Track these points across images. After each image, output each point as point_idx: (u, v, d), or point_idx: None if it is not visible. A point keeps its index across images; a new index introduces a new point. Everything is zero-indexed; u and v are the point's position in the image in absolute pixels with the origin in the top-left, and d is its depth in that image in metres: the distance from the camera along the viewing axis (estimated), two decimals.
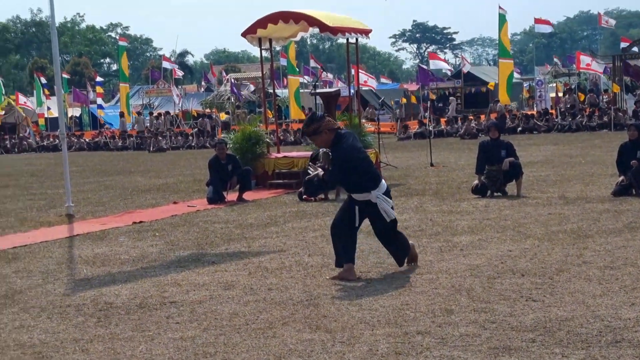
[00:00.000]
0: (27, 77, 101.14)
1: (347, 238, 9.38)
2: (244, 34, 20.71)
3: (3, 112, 58.37)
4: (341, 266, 9.37)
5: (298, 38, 22.38)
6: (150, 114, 54.41)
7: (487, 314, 7.47)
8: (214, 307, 8.28)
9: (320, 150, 9.76)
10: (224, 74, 75.07)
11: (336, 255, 9.49)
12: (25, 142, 52.04)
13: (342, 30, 20.06)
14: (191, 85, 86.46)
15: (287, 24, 20.05)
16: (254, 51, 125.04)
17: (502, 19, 40.34)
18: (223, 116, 51.10)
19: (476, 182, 16.40)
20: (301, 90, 51.75)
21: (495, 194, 16.13)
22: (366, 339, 6.86)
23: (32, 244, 13.11)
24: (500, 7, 40.19)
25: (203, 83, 78.28)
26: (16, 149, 51.16)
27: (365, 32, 21.02)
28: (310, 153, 18.71)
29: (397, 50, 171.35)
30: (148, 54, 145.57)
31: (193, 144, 44.47)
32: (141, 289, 9.26)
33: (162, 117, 52.62)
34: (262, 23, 20.24)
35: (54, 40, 17.15)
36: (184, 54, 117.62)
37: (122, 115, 52.92)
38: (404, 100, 53.34)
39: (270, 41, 21.36)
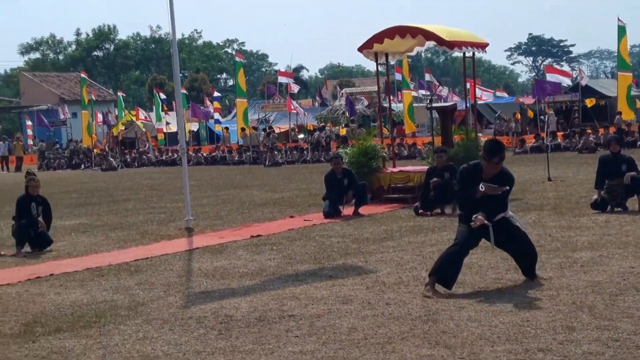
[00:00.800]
0: (146, 93, 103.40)
1: (459, 260, 9.40)
2: (360, 49, 20.80)
3: (124, 127, 59.83)
4: (446, 283, 9.32)
5: (414, 53, 22.36)
6: (264, 130, 55.01)
7: (610, 331, 7.31)
8: (332, 321, 8.32)
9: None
10: (339, 88, 75.49)
11: (443, 273, 9.38)
12: (144, 157, 53.22)
13: (458, 45, 19.96)
14: (306, 100, 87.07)
15: (403, 38, 20.06)
16: (368, 65, 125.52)
17: (622, 31, 39.51)
18: (343, 131, 51.33)
19: (596, 197, 16.07)
20: (415, 105, 51.67)
21: (616, 209, 15.79)
22: (486, 356, 6.79)
23: (153, 257, 13.39)
24: (619, 19, 39.40)
25: (317, 98, 78.77)
26: (136, 163, 52.35)
27: (482, 46, 20.87)
28: (427, 167, 18.69)
29: (512, 64, 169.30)
30: (264, 69, 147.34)
31: (308, 158, 44.79)
32: (260, 302, 9.36)
33: (274, 132, 53.15)
34: (378, 38, 20.29)
35: (175, 58, 17.51)
36: (298, 69, 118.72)
37: (243, 129, 53.71)
38: (518, 115, 52.58)
39: (387, 55, 21.41)
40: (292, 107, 53.60)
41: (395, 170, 21.07)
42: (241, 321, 8.51)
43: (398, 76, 52.13)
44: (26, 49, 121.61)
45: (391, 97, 29.85)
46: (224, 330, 8.19)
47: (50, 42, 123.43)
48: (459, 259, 9.43)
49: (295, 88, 56.36)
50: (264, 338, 7.78)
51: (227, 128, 59.64)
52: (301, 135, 56.15)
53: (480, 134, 27.92)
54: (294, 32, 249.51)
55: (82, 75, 58.72)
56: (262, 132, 54.02)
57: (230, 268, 11.94)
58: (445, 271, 9.31)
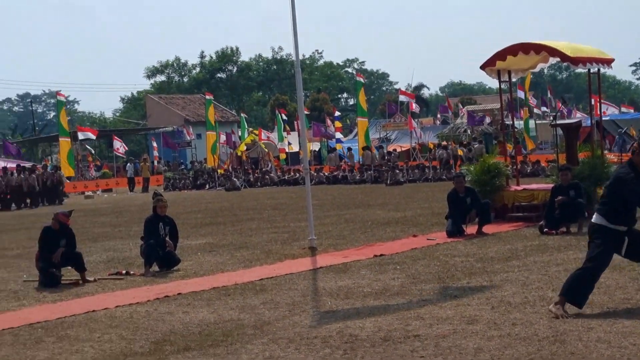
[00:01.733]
0: (268, 113, 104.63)
1: (593, 279, 9.24)
2: (483, 67, 20.64)
3: (247, 148, 60.67)
4: (578, 303, 9.15)
5: (537, 69, 22.08)
6: (380, 147, 54.99)
7: None
8: (458, 341, 8.26)
9: None
10: (460, 106, 75.00)
11: (575, 293, 9.21)
12: (267, 177, 53.80)
13: (583, 61, 19.61)
14: (427, 119, 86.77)
15: (527, 55, 19.83)
16: (490, 83, 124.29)
17: None
18: (460, 152, 50.99)
19: None
20: (538, 122, 50.97)
21: None
22: None
23: (277, 276, 13.54)
24: None
25: (439, 115, 78.42)
26: (259, 183, 52.95)
27: (607, 62, 20.45)
28: (552, 185, 18.41)
29: (638, 79, 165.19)
30: (384, 88, 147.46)
31: (430, 177, 44.58)
32: (385, 322, 9.36)
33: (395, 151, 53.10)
34: (501, 55, 20.11)
35: (298, 78, 17.66)
36: (419, 87, 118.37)
37: (365, 148, 53.89)
38: (633, 132, 51.13)
39: (509, 73, 21.19)
40: (413, 126, 53.50)
41: (519, 188, 20.80)
42: (366, 341, 8.53)
43: (520, 93, 51.53)
44: (152, 72, 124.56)
45: (513, 115, 29.48)
46: (349, 350, 8.22)
47: (175, 65, 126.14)
48: (593, 278, 9.26)
49: (416, 107, 56.19)
50: (389, 358, 7.78)
51: (350, 148, 59.80)
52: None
53: (606, 151, 27.33)
54: (415, 50, 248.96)
55: (207, 96, 59.76)
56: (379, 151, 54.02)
57: (354, 287, 11.98)
58: (577, 291, 9.15)
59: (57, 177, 46.18)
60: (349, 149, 56.22)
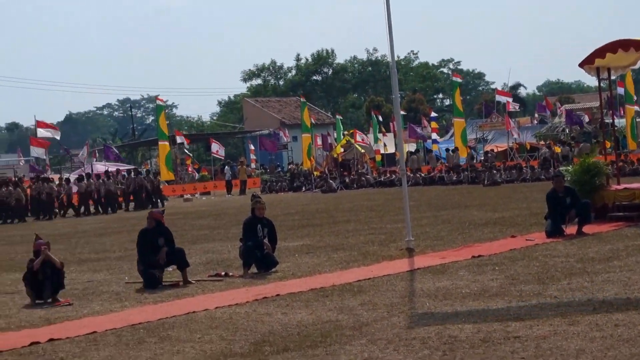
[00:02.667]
0: (363, 115, 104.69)
1: None
2: (581, 65, 20.32)
3: (342, 150, 60.79)
4: None
5: (638, 66, 21.62)
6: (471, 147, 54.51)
7: None
8: (559, 342, 8.15)
9: None
10: (559, 105, 73.84)
11: None
12: (363, 178, 53.82)
13: None
14: (524, 118, 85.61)
15: (626, 52, 19.46)
16: (588, 81, 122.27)
17: None
18: (558, 149, 50.23)
19: None
20: (638, 119, 49.88)
21: None
22: None
23: (375, 278, 13.53)
24: None
25: (536, 115, 77.32)
26: (355, 185, 53.00)
27: None
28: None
29: None
30: (480, 88, 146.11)
31: (527, 177, 44.02)
32: (484, 323, 9.28)
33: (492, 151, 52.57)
34: (600, 53, 19.76)
35: (394, 80, 17.66)
36: (516, 86, 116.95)
37: (454, 150, 53.46)
38: None
39: (609, 70, 20.81)
40: (510, 126, 52.90)
41: (619, 187, 20.40)
42: (465, 342, 8.47)
43: (620, 90, 50.48)
44: (249, 76, 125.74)
45: (613, 113, 28.92)
46: (448, 351, 8.17)
47: (271, 68, 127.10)
48: None
49: (513, 107, 55.49)
50: (489, 359, 7.71)
51: (447, 149, 59.40)
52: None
53: None
54: (511, 49, 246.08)
55: (302, 99, 60.08)
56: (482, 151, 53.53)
57: (452, 288, 11.91)
58: None
59: (156, 182, 46.82)
60: (449, 150, 55.79)
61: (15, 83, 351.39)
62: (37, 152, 52.94)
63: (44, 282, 13.40)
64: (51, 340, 10.10)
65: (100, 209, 43.92)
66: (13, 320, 12.01)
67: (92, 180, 45.20)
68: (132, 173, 46.78)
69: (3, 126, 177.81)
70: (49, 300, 13.33)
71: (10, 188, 42.18)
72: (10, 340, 10.29)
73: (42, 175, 47.82)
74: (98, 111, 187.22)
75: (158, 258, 14.51)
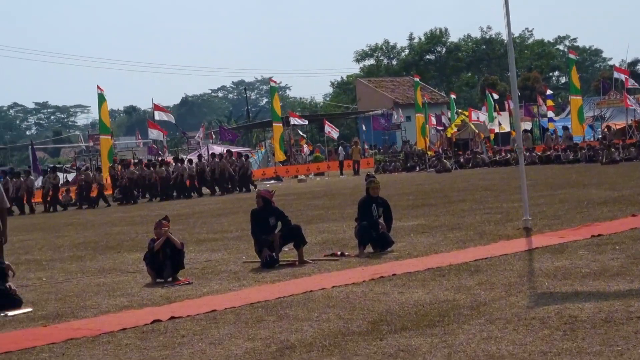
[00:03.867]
0: (478, 93, 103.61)
1: None
2: None
3: (457, 129, 60.35)
4: None
5: None
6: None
7: None
8: None
9: None
10: None
11: None
12: (478, 157, 53.35)
13: None
14: None
15: None
16: None
17: None
18: None
19: None
20: None
21: None
22: None
23: (492, 257, 13.38)
24: None
25: None
26: (470, 164, 52.59)
27: None
28: None
29: None
30: (597, 65, 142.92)
31: None
32: (606, 303, 9.09)
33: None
34: None
35: (511, 58, 17.42)
36: (634, 62, 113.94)
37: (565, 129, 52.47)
38: None
39: None
40: (629, 103, 51.64)
41: None
42: (586, 322, 8.32)
43: None
44: (361, 56, 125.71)
45: None
46: (569, 331, 8.04)
47: (384, 48, 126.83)
48: None
49: (632, 84, 54.13)
50: (611, 340, 7.56)
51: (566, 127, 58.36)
52: None
53: None
54: (629, 25, 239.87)
55: (416, 78, 59.78)
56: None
57: (571, 268, 11.71)
58: None
59: (246, 164, 46.94)
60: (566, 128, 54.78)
61: (133, 67, 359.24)
62: (154, 134, 54.04)
63: (165, 262, 13.68)
64: (172, 318, 10.31)
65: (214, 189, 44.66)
66: (135, 298, 12.30)
67: (204, 162, 45.91)
68: (216, 157, 46.96)
69: (122, 109, 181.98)
70: (169, 279, 13.61)
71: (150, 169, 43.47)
72: (134, 318, 10.54)
73: (160, 159, 48.81)
74: (213, 93, 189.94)
75: (272, 240, 14.63)
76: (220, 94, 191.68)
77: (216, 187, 44.74)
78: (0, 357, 8.92)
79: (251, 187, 44.39)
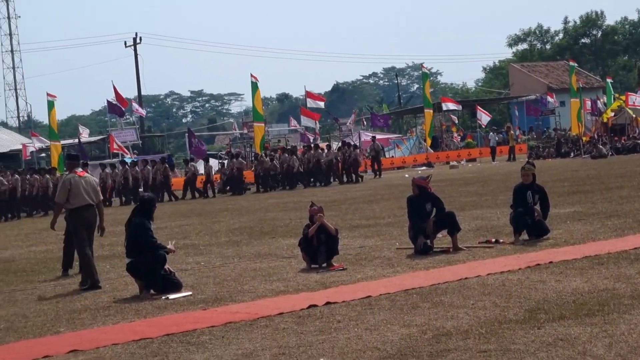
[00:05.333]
0: (635, 77, 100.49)
1: None
2: None
3: (613, 114, 58.73)
4: None
5: None
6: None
7: None
8: None
9: None
10: None
11: None
12: (636, 143, 51.81)
13: None
14: None
15: None
16: None
17: None
18: None
19: None
20: None
21: None
22: None
23: None
24: None
25: None
26: (627, 150, 51.09)
27: None
28: None
29: None
30: None
31: None
32: None
33: None
34: None
35: None
36: None
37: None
38: None
39: None
40: None
41: None
42: None
43: None
44: (514, 41, 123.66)
45: None
46: None
47: (537, 32, 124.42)
48: None
49: None
50: None
51: None
52: None
53: None
54: None
55: (571, 63, 58.47)
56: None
57: None
58: None
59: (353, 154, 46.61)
60: None
61: (286, 55, 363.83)
62: (307, 121, 54.60)
63: (319, 248, 13.84)
64: (328, 303, 10.43)
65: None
66: (291, 283, 12.50)
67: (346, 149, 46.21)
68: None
69: (274, 97, 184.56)
70: (324, 265, 13.76)
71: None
72: (290, 303, 10.72)
73: (313, 144, 49.33)
74: (364, 80, 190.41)
75: (426, 227, 14.59)
76: (371, 81, 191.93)
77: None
78: (162, 339, 9.22)
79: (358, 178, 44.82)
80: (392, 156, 64.30)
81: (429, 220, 14.68)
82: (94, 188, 14.65)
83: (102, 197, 15.09)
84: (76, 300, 12.60)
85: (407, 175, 32.05)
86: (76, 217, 14.45)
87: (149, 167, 43.46)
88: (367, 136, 62.00)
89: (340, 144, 50.19)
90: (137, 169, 43.29)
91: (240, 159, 45.66)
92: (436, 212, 14.84)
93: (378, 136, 66.50)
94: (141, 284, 12.53)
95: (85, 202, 14.39)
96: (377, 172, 47.54)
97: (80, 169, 14.90)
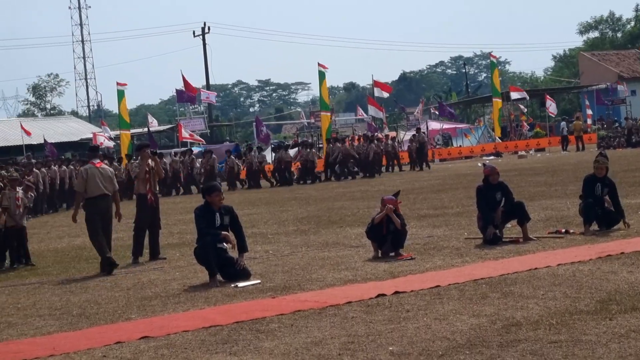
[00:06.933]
0: None
1: None
2: None
3: None
4: None
5: None
6: None
7: None
8: None
9: None
10: None
11: None
12: None
13: None
14: None
15: None
16: None
17: None
18: None
19: None
20: None
21: None
22: None
23: None
24: None
25: None
26: None
27: None
28: None
29: None
30: None
31: None
32: None
33: None
34: None
35: None
36: None
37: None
38: None
39: None
40: None
41: None
42: None
43: None
44: (585, 29, 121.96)
45: None
46: None
47: (609, 20, 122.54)
48: None
49: None
50: None
51: None
52: None
53: None
54: None
55: None
56: None
57: None
58: None
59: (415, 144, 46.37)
60: None
61: (353, 44, 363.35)
62: (374, 111, 54.54)
63: (387, 237, 13.84)
64: (396, 292, 10.43)
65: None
66: (359, 272, 12.52)
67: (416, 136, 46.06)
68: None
69: (341, 86, 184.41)
70: (392, 254, 13.76)
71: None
72: (359, 292, 10.74)
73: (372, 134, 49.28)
74: (431, 69, 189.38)
75: (495, 217, 14.50)
76: (438, 70, 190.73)
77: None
78: (231, 327, 9.30)
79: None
80: (460, 145, 63.87)
81: (498, 210, 14.60)
82: (110, 178, 15.43)
83: (117, 187, 15.80)
84: (147, 287, 12.75)
85: (479, 165, 31.72)
86: (91, 205, 15.21)
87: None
88: (435, 125, 61.72)
89: (408, 133, 50.07)
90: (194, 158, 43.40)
91: (312, 149, 45.70)
92: (505, 202, 14.76)
93: (446, 125, 66.11)
94: (210, 271, 12.64)
95: (101, 192, 15.14)
96: (419, 165, 46.73)
97: (97, 160, 15.72)
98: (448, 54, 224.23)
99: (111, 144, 59.47)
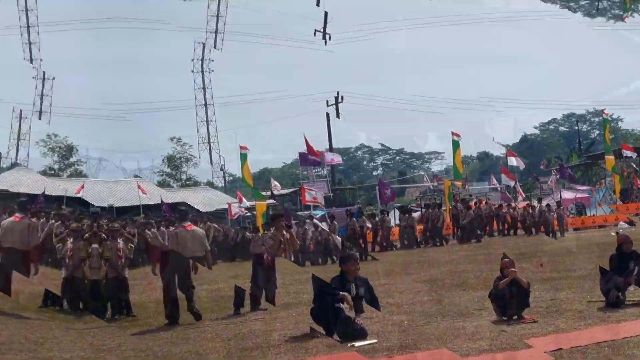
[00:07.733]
0: None
1: None
2: None
3: None
4: None
5: None
6: None
7: None
8: None
9: None
10: None
11: None
12: None
13: None
14: None
15: None
16: None
17: None
18: None
19: None
20: None
21: None
22: None
23: None
24: None
25: None
26: None
27: None
28: None
29: None
30: None
31: None
32: None
33: None
34: None
35: None
36: None
37: None
38: None
39: None
40: None
41: None
42: None
43: None
44: None
45: None
46: None
47: None
48: None
49: None
50: None
51: None
52: None
53: None
54: None
55: None
56: None
57: None
58: None
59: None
60: None
61: (483, 111, 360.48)
62: (506, 180, 54.58)
63: (510, 300, 13.95)
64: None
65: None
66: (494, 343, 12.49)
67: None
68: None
69: (474, 155, 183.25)
70: (514, 317, 13.87)
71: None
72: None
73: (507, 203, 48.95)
74: (544, 126, 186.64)
75: (620, 281, 14.47)
76: (551, 127, 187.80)
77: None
78: None
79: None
80: (594, 214, 62.15)
81: (625, 276, 14.57)
82: (200, 240, 16.17)
83: (209, 248, 16.51)
84: (247, 338, 13.00)
85: (612, 234, 31.16)
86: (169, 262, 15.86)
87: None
88: (569, 195, 60.63)
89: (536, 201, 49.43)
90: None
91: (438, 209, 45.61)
92: (638, 270, 14.71)
93: (579, 195, 64.70)
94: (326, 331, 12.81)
95: (191, 254, 15.80)
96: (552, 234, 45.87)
97: (188, 223, 16.40)
98: (561, 111, 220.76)
99: (247, 214, 60.13)
